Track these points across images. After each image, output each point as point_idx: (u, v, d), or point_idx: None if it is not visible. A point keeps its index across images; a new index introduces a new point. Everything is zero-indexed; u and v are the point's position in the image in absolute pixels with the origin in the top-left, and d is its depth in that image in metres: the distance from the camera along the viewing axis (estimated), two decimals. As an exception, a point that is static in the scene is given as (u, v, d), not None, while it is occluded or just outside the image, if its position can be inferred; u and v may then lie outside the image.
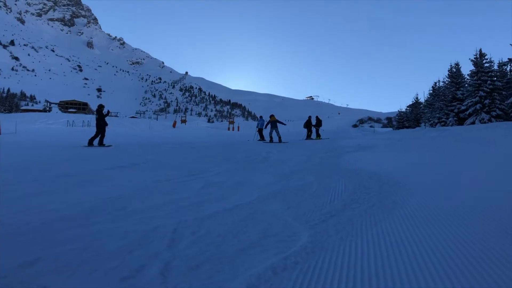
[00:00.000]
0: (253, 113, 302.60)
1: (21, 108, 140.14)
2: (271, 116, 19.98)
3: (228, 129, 68.58)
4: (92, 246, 2.71)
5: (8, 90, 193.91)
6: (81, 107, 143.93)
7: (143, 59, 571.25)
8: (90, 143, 13.64)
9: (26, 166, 7.73)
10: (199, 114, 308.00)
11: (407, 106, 45.44)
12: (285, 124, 20.85)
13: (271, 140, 18.90)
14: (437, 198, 4.01)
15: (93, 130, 28.15)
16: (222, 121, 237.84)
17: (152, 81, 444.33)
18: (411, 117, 41.95)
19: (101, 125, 14.25)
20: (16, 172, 6.92)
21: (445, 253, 2.35)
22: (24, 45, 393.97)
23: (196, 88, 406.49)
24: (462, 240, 2.58)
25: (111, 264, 2.36)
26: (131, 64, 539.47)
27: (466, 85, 29.05)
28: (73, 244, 2.74)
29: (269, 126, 19.65)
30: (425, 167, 6.87)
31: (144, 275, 2.19)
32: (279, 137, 19.01)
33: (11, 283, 2.10)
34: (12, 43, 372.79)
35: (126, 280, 2.12)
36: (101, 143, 14.02)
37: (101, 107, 14.71)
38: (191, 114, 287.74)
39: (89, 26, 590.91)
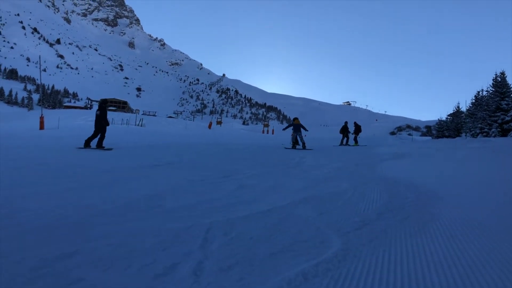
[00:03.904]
0: (288, 117, 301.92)
1: (64, 104, 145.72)
2: (295, 119, 18.10)
3: (263, 132, 68.67)
4: (127, 242, 2.78)
5: (53, 87, 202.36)
6: (120, 106, 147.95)
7: (182, 60, 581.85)
8: (87, 144, 11.57)
9: (66, 161, 8.02)
10: (235, 116, 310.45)
11: (448, 115, 43.97)
12: (307, 130, 18.76)
13: (293, 146, 16.98)
14: (476, 212, 3.86)
15: (131, 128, 28.81)
16: (256, 123, 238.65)
17: (190, 82, 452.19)
18: (452, 127, 40.55)
19: (102, 124, 12.17)
20: (57, 166, 7.19)
21: (483, 270, 2.27)
22: (69, 43, 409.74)
23: (232, 90, 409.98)
24: (501, 259, 2.48)
25: (145, 260, 2.42)
26: (170, 65, 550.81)
27: (512, 95, 27.89)
28: (109, 240, 2.83)
29: (291, 129, 17.79)
30: (465, 179, 6.63)
31: (176, 273, 2.24)
32: (303, 143, 16.92)
33: (49, 274, 2.19)
34: (58, 41, 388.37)
35: (159, 277, 2.17)
36: (100, 145, 11.80)
37: (104, 102, 12.82)
38: (226, 116, 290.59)
39: (131, 27, 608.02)
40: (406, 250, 2.67)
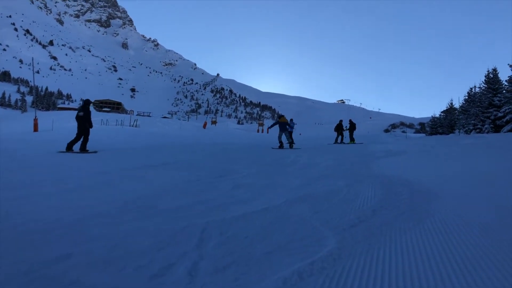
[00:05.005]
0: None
1: (58, 106, 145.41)
2: (281, 116, 16.95)
3: (258, 131, 68.66)
4: (123, 243, 2.78)
5: (46, 88, 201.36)
6: (115, 107, 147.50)
7: (176, 60, 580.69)
8: (69, 148, 10.91)
9: (61, 163, 8.00)
10: (229, 116, 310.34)
11: (441, 112, 44.23)
12: (292, 129, 17.35)
13: (281, 145, 15.82)
14: (471, 209, 3.87)
15: (126, 129, 28.67)
16: (251, 123, 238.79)
17: (184, 82, 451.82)
18: (445, 123, 40.79)
19: (85, 126, 11.42)
20: (50, 168, 7.16)
21: (479, 268, 2.28)
22: (62, 45, 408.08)
23: (227, 89, 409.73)
24: (497, 255, 2.49)
25: (141, 261, 2.42)
26: (164, 65, 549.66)
27: (504, 91, 28.06)
28: (105, 241, 2.82)
29: (277, 128, 16.62)
30: (460, 176, 6.65)
31: (172, 274, 2.24)
32: (290, 142, 16.08)
33: (44, 276, 2.18)
34: (51, 43, 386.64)
35: (155, 278, 2.17)
36: (83, 149, 11.11)
37: (88, 103, 11.98)
38: (221, 116, 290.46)
39: (124, 28, 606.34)
40: (401, 247, 2.68)
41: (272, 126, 17.61)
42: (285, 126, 16.36)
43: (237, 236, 3.00)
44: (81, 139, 11.30)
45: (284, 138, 16.47)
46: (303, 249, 2.68)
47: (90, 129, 11.65)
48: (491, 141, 14.23)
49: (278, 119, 16.87)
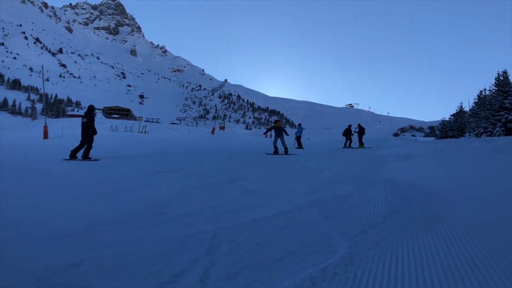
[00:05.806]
0: (291, 121, 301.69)
1: (67, 113, 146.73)
2: (276, 121, 16.39)
3: (266, 136, 68.61)
4: (133, 250, 2.78)
5: (56, 96, 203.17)
6: (124, 113, 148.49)
7: (184, 66, 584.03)
8: (73, 155, 10.64)
9: (70, 171, 8.05)
10: (237, 121, 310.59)
11: (451, 115, 43.84)
12: (287, 135, 16.18)
13: (276, 151, 15.05)
14: (482, 212, 3.83)
15: (135, 135, 28.83)
16: (259, 128, 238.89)
17: (193, 88, 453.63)
18: (455, 127, 40.37)
19: (89, 133, 11.16)
20: (60, 175, 7.21)
21: (493, 274, 2.24)
22: (71, 53, 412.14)
23: (234, 95, 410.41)
24: (508, 257, 2.45)
25: (152, 268, 2.42)
26: (172, 72, 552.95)
27: (515, 93, 27.77)
28: (115, 248, 2.83)
29: (272, 133, 15.94)
30: (469, 179, 6.58)
31: (183, 280, 2.23)
32: (285, 147, 15.27)
33: (55, 284, 2.18)
34: (60, 51, 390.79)
35: (166, 285, 2.16)
36: (86, 156, 10.83)
37: (91, 109, 11.66)
38: (229, 121, 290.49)
39: (132, 35, 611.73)
40: (413, 252, 2.65)
41: (267, 131, 17.48)
42: (280, 131, 15.82)
43: (247, 242, 2.99)
44: (85, 146, 11.04)
45: (279, 143, 15.90)
46: (314, 255, 2.66)
47: (95, 136, 11.46)
48: (502, 144, 14.09)
49: (274, 124, 16.35)
